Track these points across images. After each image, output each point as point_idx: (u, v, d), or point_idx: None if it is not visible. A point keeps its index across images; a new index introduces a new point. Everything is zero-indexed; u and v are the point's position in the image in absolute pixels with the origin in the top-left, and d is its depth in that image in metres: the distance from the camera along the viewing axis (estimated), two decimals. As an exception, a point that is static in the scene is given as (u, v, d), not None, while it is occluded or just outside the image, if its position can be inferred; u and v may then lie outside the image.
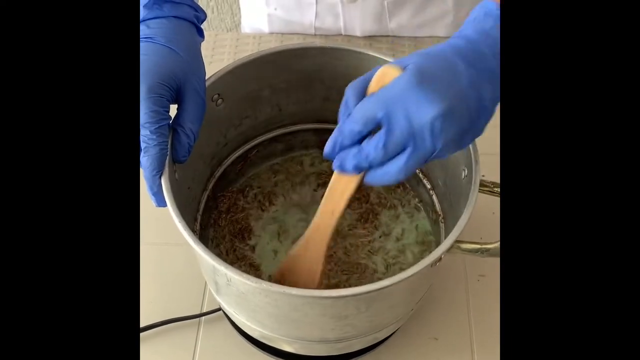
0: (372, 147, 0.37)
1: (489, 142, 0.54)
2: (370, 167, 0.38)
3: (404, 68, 0.38)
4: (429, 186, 0.57)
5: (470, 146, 0.45)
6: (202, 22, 0.50)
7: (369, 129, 0.38)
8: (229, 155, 0.59)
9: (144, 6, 0.46)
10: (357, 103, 0.38)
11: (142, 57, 0.44)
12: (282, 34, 0.81)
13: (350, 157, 0.39)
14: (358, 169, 0.39)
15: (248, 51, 0.79)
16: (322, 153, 0.62)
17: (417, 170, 0.58)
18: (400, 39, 0.79)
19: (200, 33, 0.50)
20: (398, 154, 0.37)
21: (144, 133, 0.43)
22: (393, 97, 0.36)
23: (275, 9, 0.79)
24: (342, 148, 0.39)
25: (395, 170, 0.37)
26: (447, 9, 0.77)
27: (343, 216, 0.45)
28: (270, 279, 0.53)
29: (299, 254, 0.47)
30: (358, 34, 0.79)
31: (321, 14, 0.78)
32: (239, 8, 0.90)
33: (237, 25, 1.57)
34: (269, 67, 0.53)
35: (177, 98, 0.46)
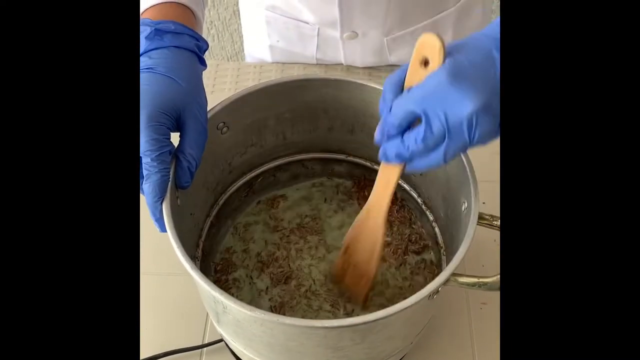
0: (412, 140, 0.39)
1: (489, 169, 0.54)
2: (411, 158, 0.41)
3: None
4: (431, 218, 0.57)
5: (470, 179, 0.45)
6: (204, 52, 0.51)
7: (408, 122, 0.40)
8: (233, 182, 0.59)
9: (145, 37, 0.48)
10: (394, 96, 0.41)
11: (143, 87, 0.45)
12: (283, 63, 0.83)
13: (393, 148, 0.41)
14: (400, 159, 0.41)
15: (249, 80, 0.81)
16: (327, 181, 0.63)
17: (420, 202, 0.58)
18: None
19: (202, 62, 0.51)
20: (437, 145, 0.39)
21: (145, 161, 0.44)
22: (430, 94, 0.38)
23: (278, 41, 0.81)
24: (388, 138, 0.41)
25: (435, 160, 0.40)
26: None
27: (391, 203, 0.48)
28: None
29: (358, 233, 0.51)
30: (359, 65, 0.80)
31: (322, 47, 0.79)
32: (240, 36, 0.92)
33: (238, 52, 1.60)
34: (274, 97, 0.54)
35: (179, 126, 0.47)
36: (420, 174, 0.56)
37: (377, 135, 0.42)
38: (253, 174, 0.60)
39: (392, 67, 0.80)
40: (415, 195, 0.59)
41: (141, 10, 0.51)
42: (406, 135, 0.40)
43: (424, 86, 0.38)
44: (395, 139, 0.41)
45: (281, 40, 0.81)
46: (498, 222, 0.45)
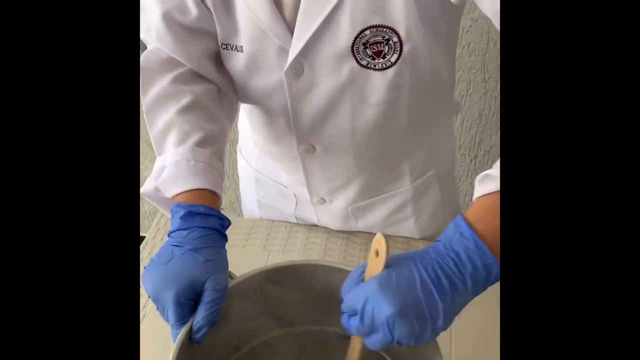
0: (353, 324, 0.50)
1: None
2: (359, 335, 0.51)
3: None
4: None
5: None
6: (226, 228, 0.62)
7: (353, 311, 0.51)
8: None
9: (180, 217, 0.59)
10: (350, 285, 0.52)
11: (172, 262, 0.56)
12: (273, 221, 0.95)
13: (346, 325, 0.52)
14: (351, 333, 0.52)
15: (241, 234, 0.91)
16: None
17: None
18: (373, 235, 0.91)
19: (224, 237, 0.61)
20: (369, 333, 0.49)
21: (173, 331, 0.54)
22: (365, 295, 0.49)
23: (264, 197, 0.94)
24: (346, 317, 0.52)
25: (371, 344, 0.50)
26: (407, 216, 0.88)
27: None
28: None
29: None
30: (331, 227, 0.91)
31: (300, 206, 0.91)
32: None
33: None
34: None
35: (200, 294, 0.57)
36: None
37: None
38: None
39: (366, 234, 0.90)
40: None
41: (175, 192, 0.63)
42: (350, 319, 0.51)
43: (365, 286, 0.49)
44: (349, 319, 0.51)
45: (266, 196, 0.94)
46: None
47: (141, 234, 1.88)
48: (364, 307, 0.49)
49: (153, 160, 0.69)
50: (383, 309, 0.47)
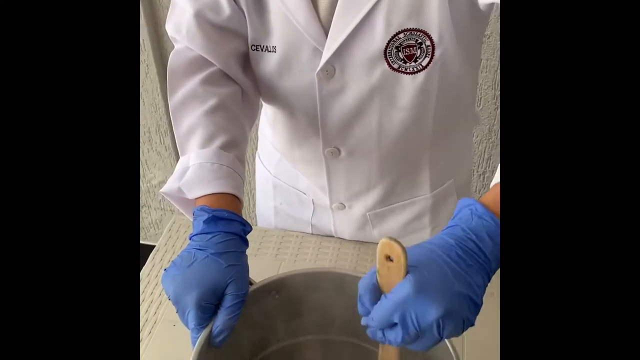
0: (393, 337, 0.47)
1: None
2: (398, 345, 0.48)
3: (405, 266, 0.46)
4: None
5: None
6: (247, 233, 0.62)
7: (388, 325, 0.47)
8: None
9: (203, 221, 0.59)
10: (371, 300, 0.48)
11: (194, 264, 0.56)
12: (285, 230, 0.94)
13: (385, 340, 0.48)
14: (396, 345, 0.48)
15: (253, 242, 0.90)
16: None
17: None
18: None
19: (245, 242, 0.62)
20: (414, 341, 0.47)
21: (192, 335, 0.54)
22: (401, 303, 0.46)
23: (281, 203, 0.94)
24: (373, 335, 0.49)
25: (418, 348, 0.47)
26: (424, 225, 0.89)
27: None
28: None
29: None
30: (347, 237, 0.92)
31: (318, 213, 0.91)
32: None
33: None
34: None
35: (221, 298, 0.56)
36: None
37: (368, 331, 0.50)
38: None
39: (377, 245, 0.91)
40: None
41: (198, 194, 0.63)
42: (387, 333, 0.48)
43: (397, 295, 0.46)
44: (381, 333, 0.48)
45: (284, 203, 0.94)
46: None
47: (148, 242, 1.90)
48: (403, 317, 0.46)
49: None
50: (428, 314, 0.45)
